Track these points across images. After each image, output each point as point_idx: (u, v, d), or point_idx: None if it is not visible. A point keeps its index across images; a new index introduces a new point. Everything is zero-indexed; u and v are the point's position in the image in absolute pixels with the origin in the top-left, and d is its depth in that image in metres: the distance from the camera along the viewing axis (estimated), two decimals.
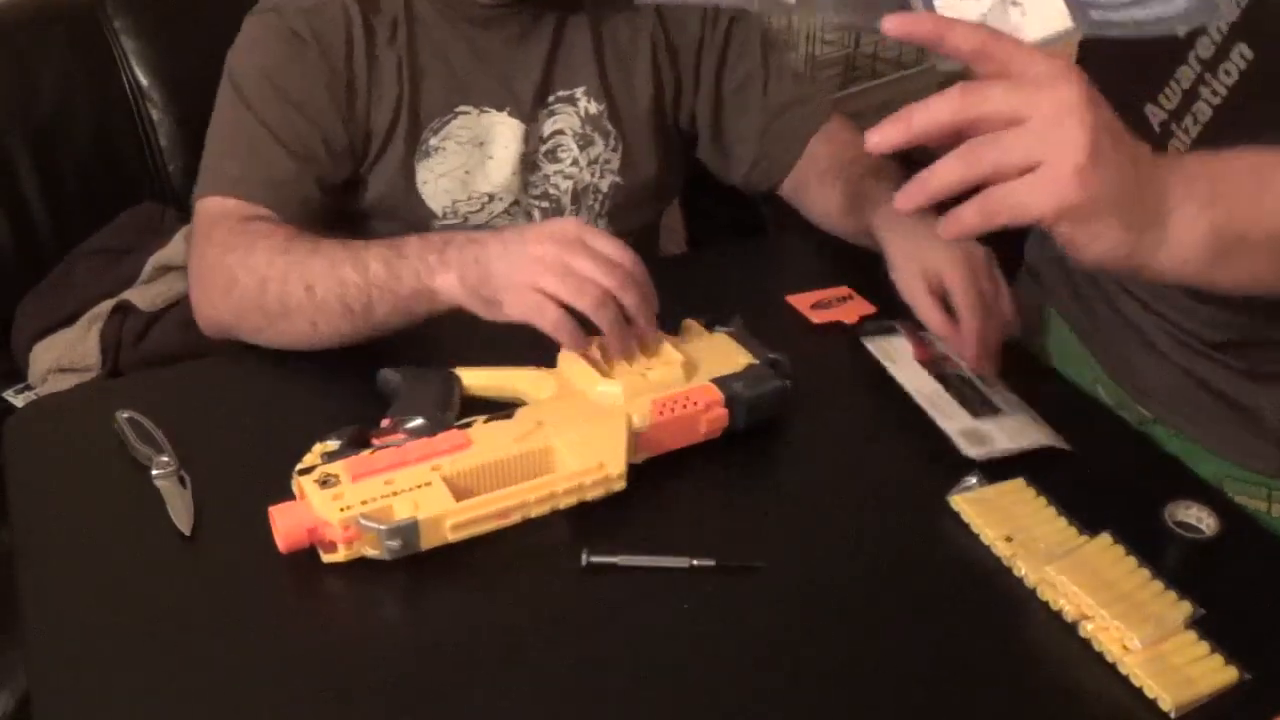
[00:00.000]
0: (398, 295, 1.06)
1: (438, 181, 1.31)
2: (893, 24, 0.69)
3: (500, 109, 1.32)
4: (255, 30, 1.28)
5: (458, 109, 1.31)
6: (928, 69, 2.72)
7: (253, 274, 1.10)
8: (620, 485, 0.93)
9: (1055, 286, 1.23)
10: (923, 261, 1.11)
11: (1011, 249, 1.25)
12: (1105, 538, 0.88)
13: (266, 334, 1.12)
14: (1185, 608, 0.83)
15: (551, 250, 0.99)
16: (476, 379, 1.03)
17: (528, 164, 1.34)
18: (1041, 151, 0.67)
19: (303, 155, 1.24)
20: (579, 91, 1.35)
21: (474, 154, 1.31)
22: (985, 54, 0.68)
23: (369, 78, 1.27)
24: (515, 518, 0.90)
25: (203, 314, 1.17)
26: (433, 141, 1.30)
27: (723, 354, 1.05)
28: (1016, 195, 0.67)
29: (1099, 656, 0.81)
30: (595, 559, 0.87)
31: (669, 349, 1.03)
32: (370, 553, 0.86)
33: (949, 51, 0.69)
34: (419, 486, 0.88)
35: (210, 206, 1.21)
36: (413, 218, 1.31)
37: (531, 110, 1.33)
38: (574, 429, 0.95)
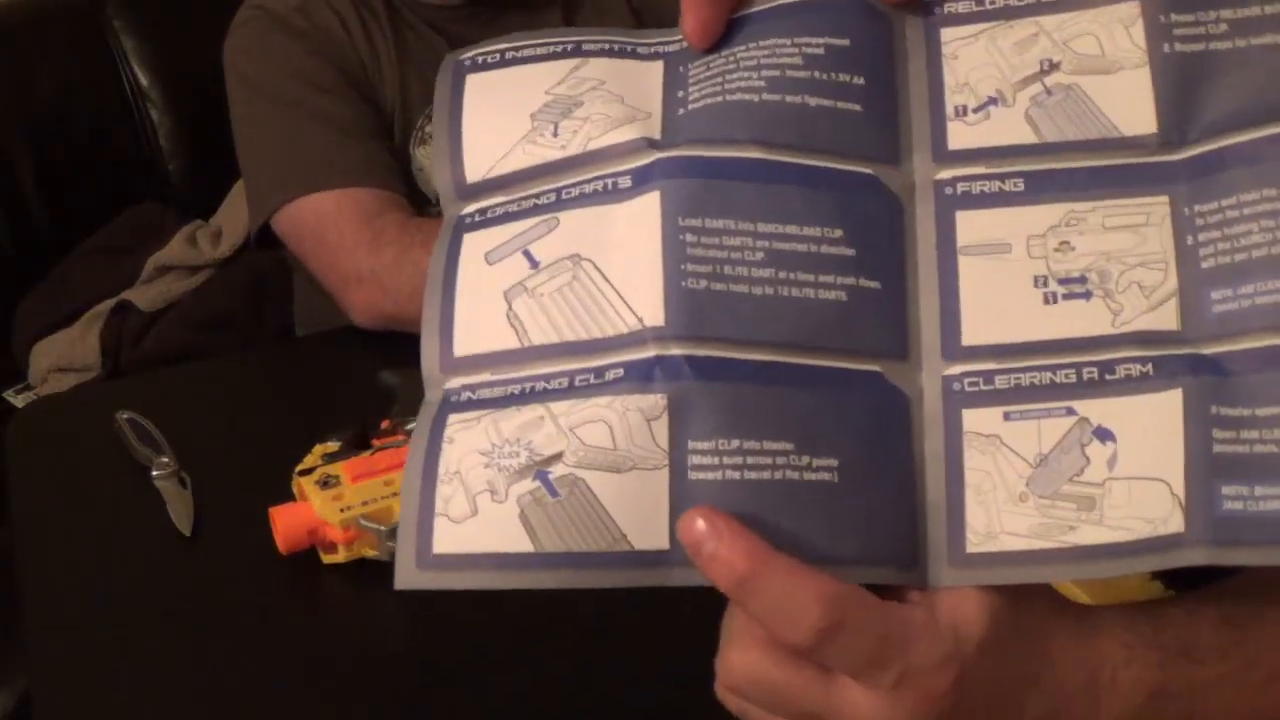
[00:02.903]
0: None
1: (433, 168, 1.32)
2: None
3: None
4: (253, 34, 1.29)
5: None
6: None
7: None
8: None
9: None
10: None
11: None
12: None
13: None
14: None
15: None
16: None
17: None
18: None
19: (369, 132, 1.25)
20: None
21: None
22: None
23: (371, 63, 1.29)
24: None
25: (378, 309, 1.15)
26: (429, 128, 1.31)
27: None
28: None
29: None
30: None
31: None
32: (370, 553, 0.86)
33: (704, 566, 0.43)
34: None
35: (314, 206, 1.21)
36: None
37: None
38: None
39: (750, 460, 0.44)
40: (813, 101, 0.47)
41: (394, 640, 0.84)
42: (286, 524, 0.86)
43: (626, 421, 0.44)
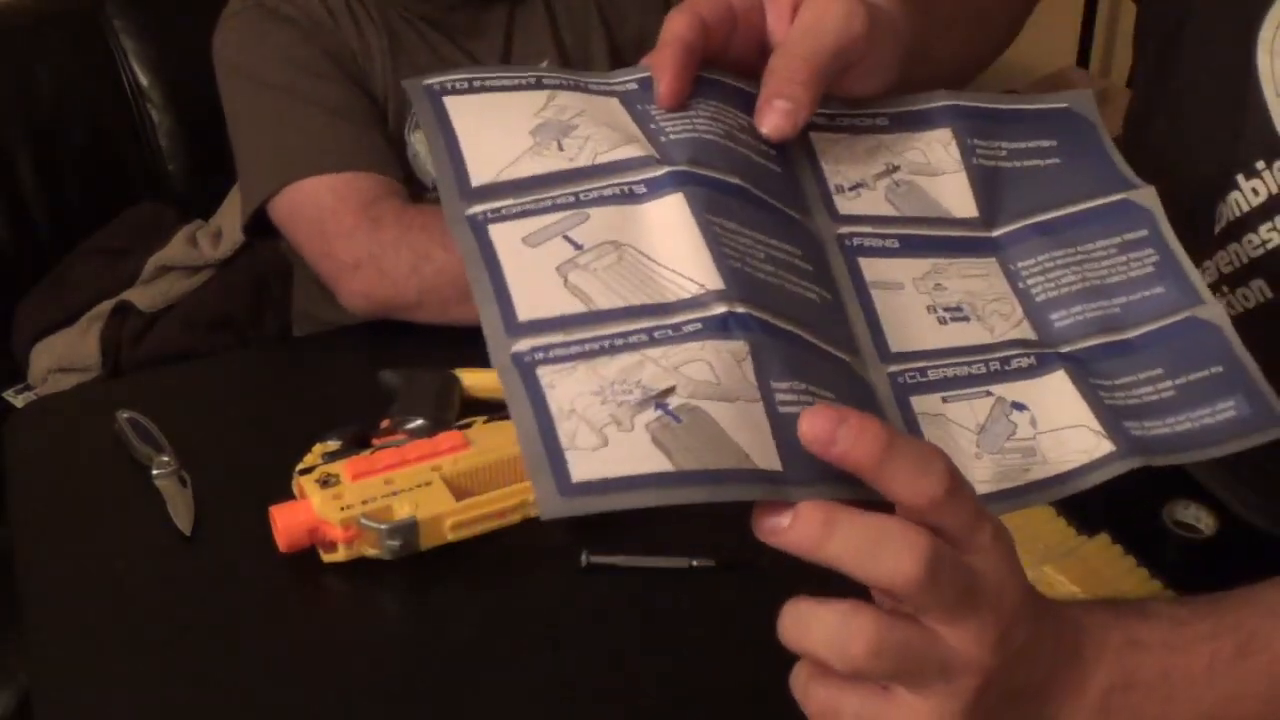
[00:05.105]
0: None
1: (429, 155, 1.31)
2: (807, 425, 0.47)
3: None
4: (243, 25, 1.30)
5: None
6: None
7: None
8: None
9: None
10: None
11: None
12: (1104, 537, 0.89)
13: (453, 313, 1.11)
14: None
15: None
16: (476, 379, 1.03)
17: None
18: None
19: (364, 118, 1.25)
20: (543, 66, 1.36)
21: None
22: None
23: (361, 51, 1.29)
24: (515, 517, 0.90)
25: (375, 294, 1.15)
26: None
27: None
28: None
29: None
30: (595, 559, 0.87)
31: None
32: (370, 552, 0.86)
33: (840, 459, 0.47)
34: (419, 486, 0.88)
35: (311, 190, 1.20)
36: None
37: None
38: None
39: (816, 401, 0.49)
40: (755, 157, 0.56)
41: (394, 638, 0.84)
42: (286, 523, 0.86)
43: (722, 360, 0.49)
